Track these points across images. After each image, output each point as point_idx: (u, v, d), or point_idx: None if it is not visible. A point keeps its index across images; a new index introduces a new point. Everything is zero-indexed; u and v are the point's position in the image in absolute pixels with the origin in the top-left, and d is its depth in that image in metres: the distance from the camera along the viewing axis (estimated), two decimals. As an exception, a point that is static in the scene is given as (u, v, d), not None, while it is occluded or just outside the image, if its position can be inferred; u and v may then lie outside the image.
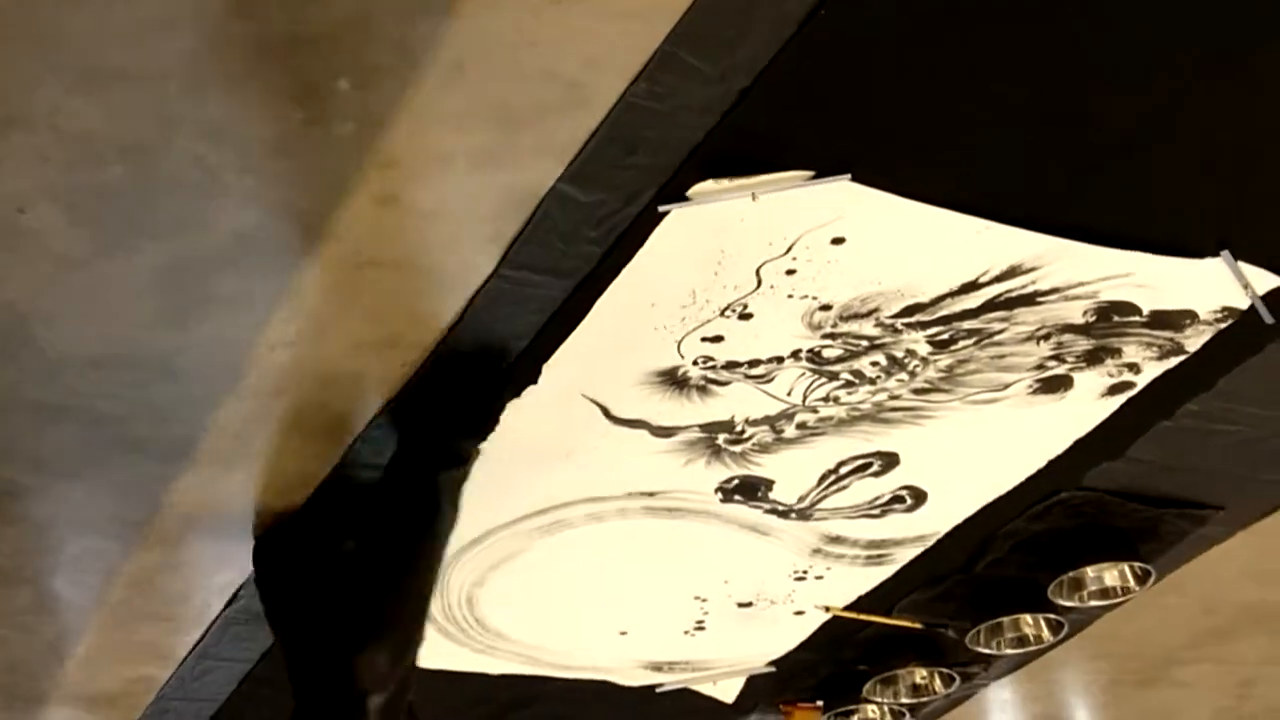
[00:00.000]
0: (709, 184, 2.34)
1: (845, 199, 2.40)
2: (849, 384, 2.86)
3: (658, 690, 3.95)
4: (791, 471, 3.12)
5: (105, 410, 2.69)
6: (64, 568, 3.15)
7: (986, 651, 3.77)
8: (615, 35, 2.09)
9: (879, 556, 3.45)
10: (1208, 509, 3.41)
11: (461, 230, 2.40)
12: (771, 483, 3.14)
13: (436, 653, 3.64)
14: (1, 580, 3.17)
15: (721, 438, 2.98)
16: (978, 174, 2.42)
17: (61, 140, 2.14)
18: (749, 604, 3.60)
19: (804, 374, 2.82)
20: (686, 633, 3.71)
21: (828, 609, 3.66)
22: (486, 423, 2.80)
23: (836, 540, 3.37)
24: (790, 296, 2.60)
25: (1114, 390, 2.94)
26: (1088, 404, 2.98)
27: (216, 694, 3.68)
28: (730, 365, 2.77)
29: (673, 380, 2.79)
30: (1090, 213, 2.52)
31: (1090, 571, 3.52)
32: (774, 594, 3.57)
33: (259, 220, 2.32)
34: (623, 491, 3.14)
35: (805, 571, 3.49)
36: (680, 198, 2.36)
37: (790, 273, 2.54)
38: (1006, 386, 2.91)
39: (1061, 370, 2.87)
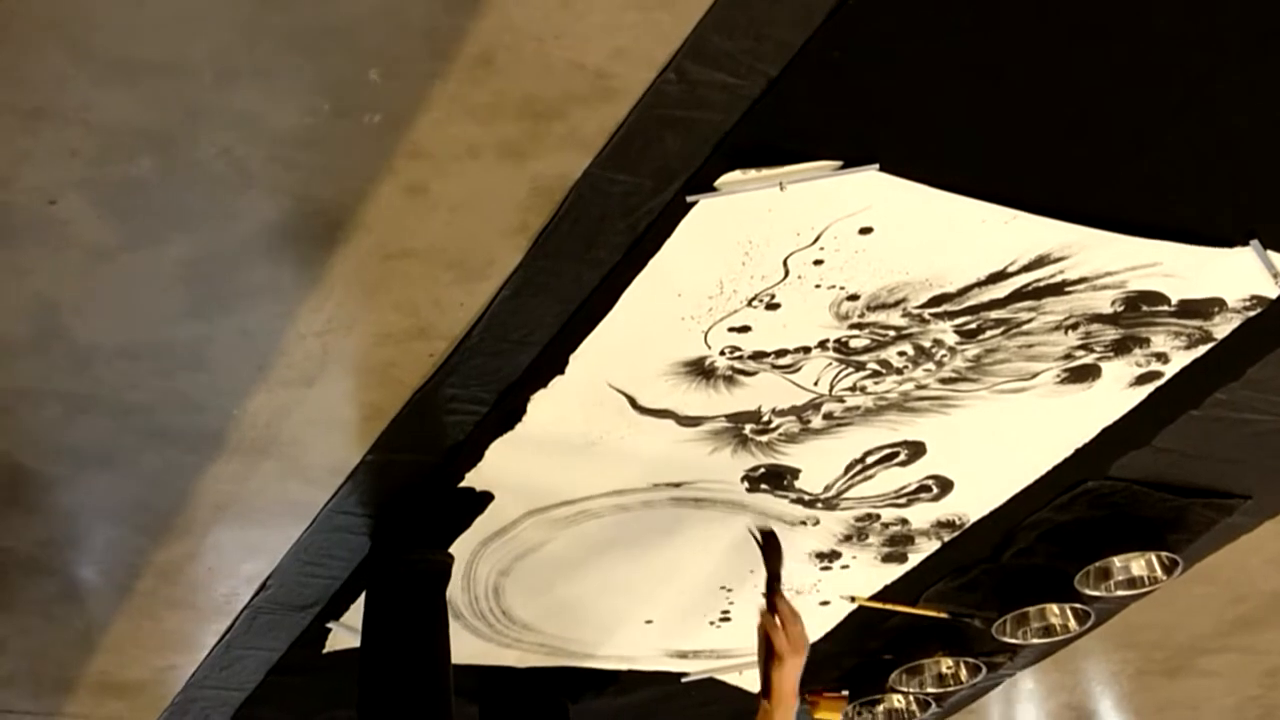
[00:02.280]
0: (736, 174, 2.34)
1: (873, 188, 2.40)
2: (876, 374, 2.85)
3: (684, 679, 3.95)
4: (818, 461, 3.12)
5: (134, 400, 2.70)
6: (92, 557, 3.17)
7: (1013, 641, 3.77)
8: (642, 26, 2.09)
9: (905, 546, 3.45)
10: (1235, 498, 3.40)
11: (489, 221, 2.41)
12: (798, 472, 3.14)
13: (464, 648, 3.64)
14: (30, 569, 3.19)
15: (748, 427, 2.98)
16: (1006, 163, 2.41)
17: (91, 133, 2.15)
18: (775, 593, 3.60)
19: (831, 364, 2.81)
20: (713, 623, 3.72)
21: (853, 599, 3.66)
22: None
23: (863, 529, 3.37)
24: (818, 286, 2.60)
25: (1142, 380, 2.94)
26: (1115, 393, 2.98)
27: (245, 683, 3.70)
28: (757, 355, 2.77)
29: (700, 370, 2.80)
30: (1119, 202, 2.51)
31: (1117, 561, 3.51)
32: (799, 584, 3.57)
33: (287, 211, 2.33)
34: (649, 482, 3.14)
35: (831, 561, 3.49)
36: (708, 188, 2.36)
37: (818, 263, 2.54)
38: (1034, 376, 2.90)
39: (1089, 359, 2.87)
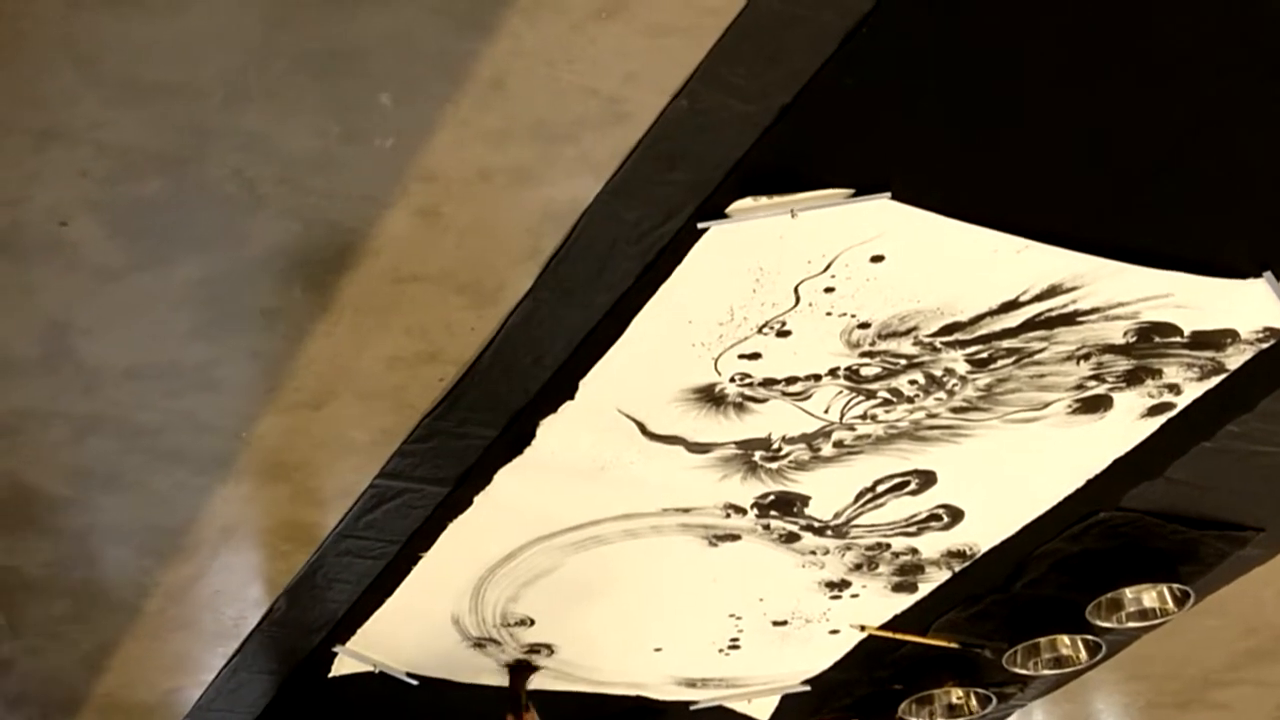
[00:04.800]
0: (748, 201, 2.34)
1: (885, 217, 2.39)
2: (887, 402, 2.85)
3: (692, 708, 3.94)
4: (828, 488, 3.11)
5: (142, 421, 2.70)
6: (100, 578, 3.16)
7: (1023, 672, 3.75)
8: (655, 52, 2.09)
9: (915, 575, 3.44)
10: (1248, 530, 3.39)
11: (500, 245, 2.40)
12: (808, 499, 3.13)
13: (470, 669, 3.64)
14: (38, 591, 3.18)
15: (758, 454, 2.97)
16: (1018, 193, 2.41)
17: (102, 154, 2.15)
18: (784, 622, 3.59)
19: (842, 392, 2.81)
20: (721, 651, 3.70)
21: (863, 628, 3.65)
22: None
23: (873, 558, 3.36)
24: (829, 314, 2.59)
25: (1154, 411, 2.93)
26: (1127, 424, 2.96)
27: (251, 706, 3.69)
28: (767, 382, 2.76)
29: (709, 397, 2.79)
30: (1131, 233, 2.51)
31: (1129, 592, 3.50)
32: (809, 612, 3.56)
33: (297, 234, 2.33)
34: (658, 507, 3.13)
35: (841, 590, 3.48)
36: (719, 214, 2.36)
37: (829, 290, 2.54)
38: (1046, 406, 2.89)
39: (1101, 390, 2.86)
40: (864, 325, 2.63)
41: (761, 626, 3.61)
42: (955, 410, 2.89)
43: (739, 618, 3.57)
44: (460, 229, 2.36)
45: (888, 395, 2.83)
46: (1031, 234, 2.47)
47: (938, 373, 2.77)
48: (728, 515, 3.16)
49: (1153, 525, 3.31)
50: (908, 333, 2.66)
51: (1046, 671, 3.76)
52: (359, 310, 2.49)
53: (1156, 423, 2.96)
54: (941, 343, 2.69)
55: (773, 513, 3.17)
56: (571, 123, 2.18)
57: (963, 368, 2.76)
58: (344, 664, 3.53)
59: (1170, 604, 3.51)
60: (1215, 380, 2.85)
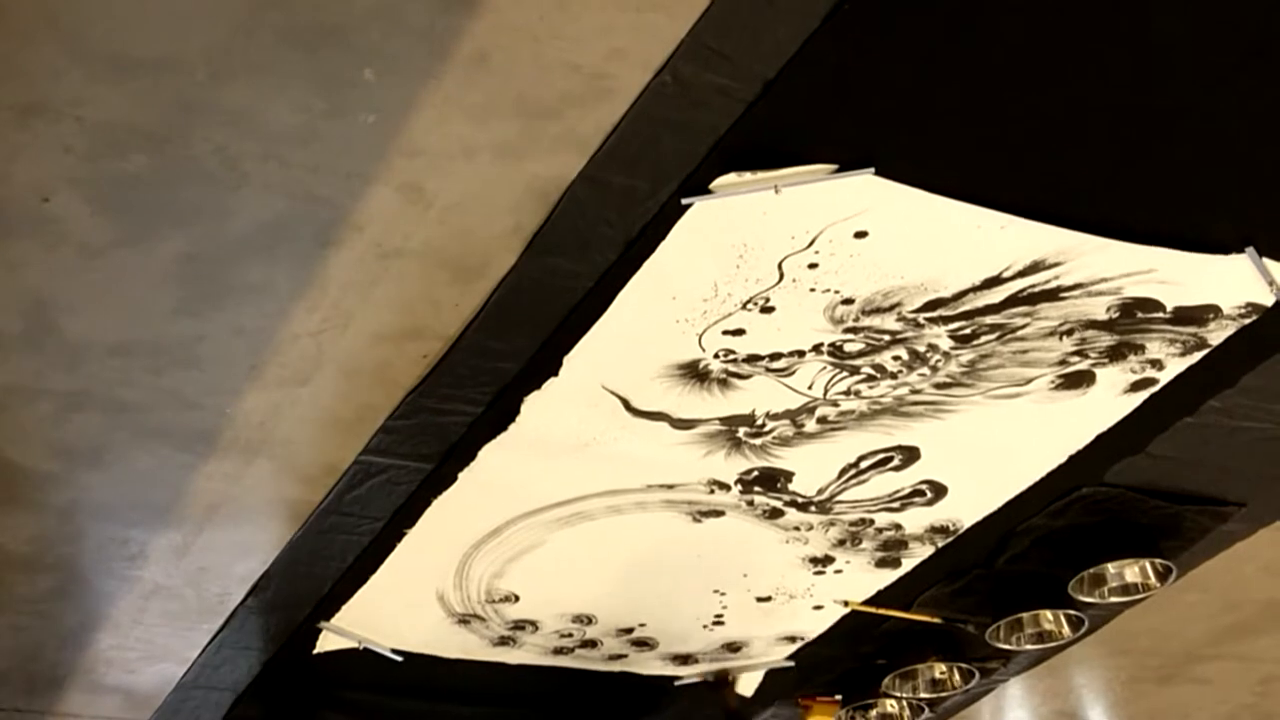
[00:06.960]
0: (732, 177, 2.34)
1: (869, 192, 2.39)
2: (870, 378, 2.85)
3: (677, 683, 3.95)
4: (811, 464, 3.12)
5: (126, 398, 2.70)
6: (85, 556, 3.16)
7: (1006, 647, 3.77)
8: (639, 27, 2.08)
9: (898, 550, 3.45)
10: (1229, 506, 3.40)
11: (484, 221, 2.40)
12: (791, 475, 3.14)
13: (456, 643, 3.64)
14: (23, 568, 3.18)
15: (742, 430, 2.97)
16: (1002, 168, 2.41)
17: (84, 129, 2.14)
18: (768, 598, 3.60)
19: (825, 368, 2.81)
20: (706, 626, 3.71)
21: (847, 603, 3.66)
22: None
23: (856, 534, 3.37)
24: (812, 290, 2.59)
25: (1137, 386, 2.93)
26: (1110, 400, 2.97)
27: (236, 683, 3.70)
28: (751, 358, 2.76)
29: (694, 373, 2.79)
30: (1115, 209, 2.51)
31: (1111, 568, 3.51)
32: (793, 588, 3.57)
33: (281, 210, 2.32)
34: (642, 484, 3.14)
35: (824, 566, 3.49)
36: (703, 190, 2.36)
37: (812, 266, 2.54)
38: (1029, 381, 2.90)
39: (1084, 366, 2.86)
40: (847, 301, 2.63)
41: (746, 602, 3.62)
42: (939, 386, 2.89)
43: (723, 593, 3.58)
44: (444, 205, 2.35)
45: (871, 371, 2.83)
46: (1015, 210, 2.48)
47: (921, 348, 2.78)
48: (712, 491, 3.17)
49: (1135, 500, 3.32)
50: (891, 308, 2.66)
51: (1029, 646, 3.78)
52: (343, 286, 2.49)
53: (1139, 398, 2.97)
54: (925, 318, 2.70)
55: (756, 488, 3.17)
56: (555, 98, 2.18)
57: (946, 343, 2.77)
58: (329, 640, 3.53)
59: (1152, 579, 3.52)
60: (1198, 356, 2.86)
